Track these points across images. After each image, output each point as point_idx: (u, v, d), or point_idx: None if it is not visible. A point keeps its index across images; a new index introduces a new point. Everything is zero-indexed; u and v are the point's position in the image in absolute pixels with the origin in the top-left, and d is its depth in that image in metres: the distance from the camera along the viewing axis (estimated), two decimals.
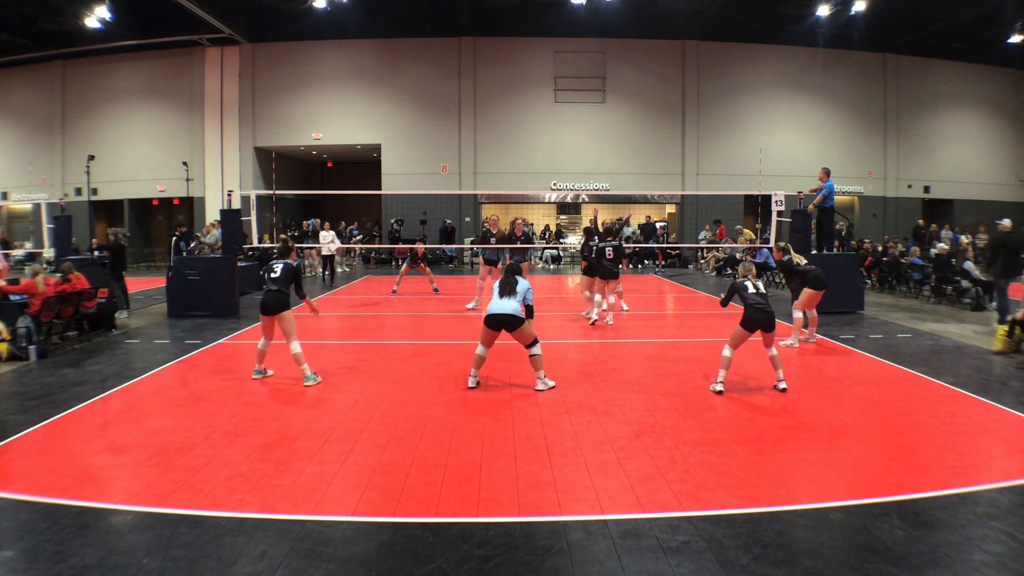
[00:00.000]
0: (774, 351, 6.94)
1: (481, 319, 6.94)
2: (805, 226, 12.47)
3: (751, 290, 6.93)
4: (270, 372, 7.58)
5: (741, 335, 6.85)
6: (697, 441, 5.35)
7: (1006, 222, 11.88)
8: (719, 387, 6.80)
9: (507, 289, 6.86)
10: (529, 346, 6.89)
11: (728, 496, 4.29)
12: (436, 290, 15.17)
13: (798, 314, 9.27)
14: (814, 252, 12.58)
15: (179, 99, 24.52)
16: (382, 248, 23.42)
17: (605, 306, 11.00)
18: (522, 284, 6.97)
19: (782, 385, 6.84)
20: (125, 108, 24.73)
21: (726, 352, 6.89)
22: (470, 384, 6.99)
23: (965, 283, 13.34)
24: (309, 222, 23.65)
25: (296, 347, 7.17)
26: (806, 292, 9.13)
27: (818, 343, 9.41)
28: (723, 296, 7.39)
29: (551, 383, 6.97)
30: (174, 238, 12.25)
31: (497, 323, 6.78)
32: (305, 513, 4.06)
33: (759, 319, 6.77)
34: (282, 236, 8.85)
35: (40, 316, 8.71)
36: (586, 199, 25.15)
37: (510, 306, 6.77)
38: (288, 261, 7.52)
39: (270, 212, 24.25)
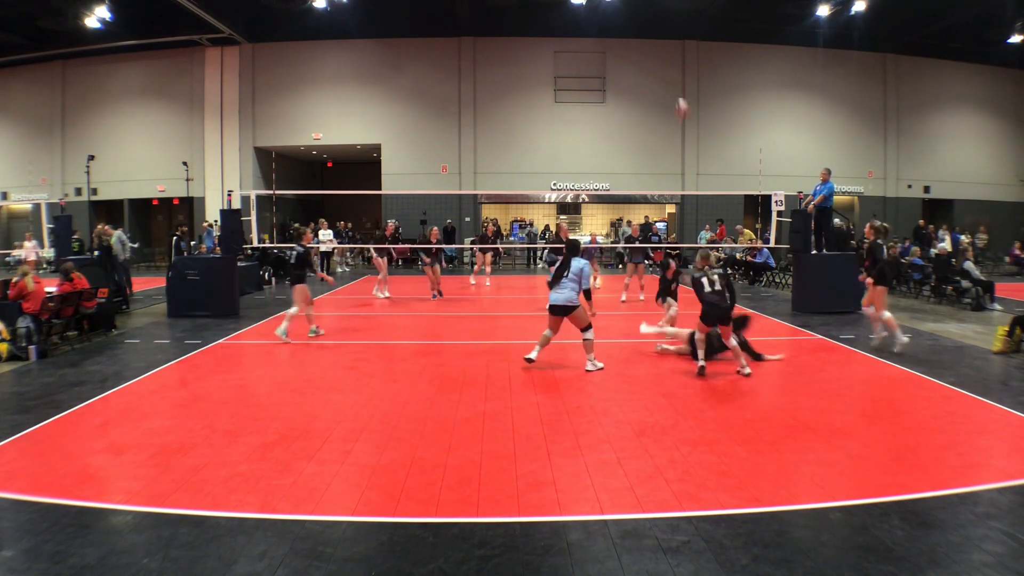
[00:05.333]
0: (734, 341, 7.53)
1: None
2: (805, 226, 12.48)
3: (707, 288, 7.44)
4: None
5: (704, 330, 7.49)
6: (697, 441, 5.35)
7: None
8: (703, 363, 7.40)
9: (561, 275, 7.53)
10: (584, 330, 7.62)
11: (728, 496, 4.29)
12: (436, 296, 14.46)
13: (887, 314, 8.63)
14: (814, 252, 12.59)
15: (179, 99, 24.53)
16: (381, 248, 23.38)
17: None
18: (576, 265, 7.54)
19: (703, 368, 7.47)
20: (125, 108, 24.75)
21: (697, 335, 7.53)
22: (531, 356, 7.71)
23: (965, 283, 13.33)
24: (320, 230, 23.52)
25: (294, 310, 9.59)
26: (880, 290, 8.60)
27: (818, 343, 9.40)
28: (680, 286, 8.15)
29: (600, 364, 7.69)
30: (174, 238, 12.25)
31: (558, 311, 7.57)
32: (305, 513, 4.05)
33: (716, 315, 7.36)
34: (295, 225, 10.81)
35: (40, 316, 8.71)
36: (586, 199, 25.16)
37: (564, 295, 7.50)
38: (297, 248, 9.85)
39: (270, 212, 24.24)
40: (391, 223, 15.53)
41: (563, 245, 7.78)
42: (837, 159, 22.63)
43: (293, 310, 9.61)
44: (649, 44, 24.17)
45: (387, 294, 14.47)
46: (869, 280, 8.85)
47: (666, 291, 9.37)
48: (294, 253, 10.02)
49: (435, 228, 15.78)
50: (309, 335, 9.76)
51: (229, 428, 5.69)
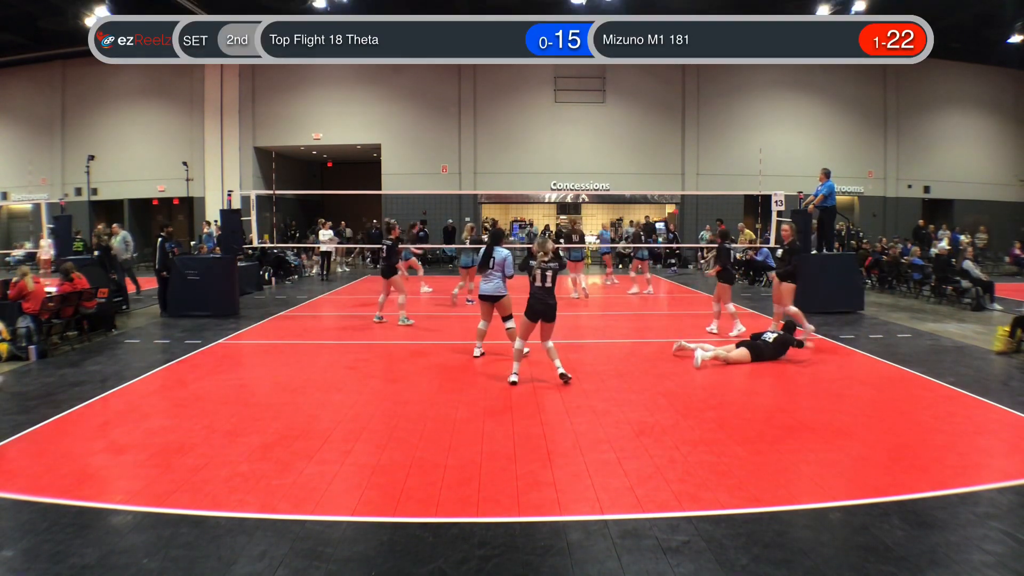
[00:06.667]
0: (550, 344, 7.19)
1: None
2: (805, 226, 12.47)
3: (537, 282, 7.00)
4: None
5: (526, 326, 7.10)
6: (697, 441, 5.35)
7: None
8: (514, 378, 7.02)
9: (488, 265, 7.97)
10: (505, 319, 8.07)
11: (728, 496, 4.29)
12: (459, 298, 13.43)
13: (793, 308, 9.21)
14: (814, 252, 12.59)
15: (179, 99, 24.52)
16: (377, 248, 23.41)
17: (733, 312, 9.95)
18: (499, 255, 7.96)
19: (562, 370, 7.10)
20: (125, 108, 24.74)
21: (518, 344, 7.19)
22: (476, 354, 8.31)
23: (965, 283, 13.32)
24: (321, 229, 23.39)
25: (401, 299, 10.90)
26: (788, 286, 9.19)
27: (818, 343, 9.40)
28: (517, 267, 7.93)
29: (527, 351, 7.83)
30: (160, 239, 12.11)
31: (488, 300, 8.06)
32: (305, 513, 4.05)
33: (539, 310, 6.97)
34: (388, 220, 12.10)
35: (40, 316, 8.71)
36: (586, 199, 25.17)
37: (493, 285, 8.00)
38: (388, 241, 11.08)
39: (270, 212, 24.25)
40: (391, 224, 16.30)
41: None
42: (837, 159, 22.62)
43: (402, 298, 10.87)
44: None
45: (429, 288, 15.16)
46: (774, 276, 9.75)
47: None
48: (386, 246, 11.10)
49: (471, 224, 14.96)
50: (384, 319, 10.96)
51: (229, 428, 5.69)
